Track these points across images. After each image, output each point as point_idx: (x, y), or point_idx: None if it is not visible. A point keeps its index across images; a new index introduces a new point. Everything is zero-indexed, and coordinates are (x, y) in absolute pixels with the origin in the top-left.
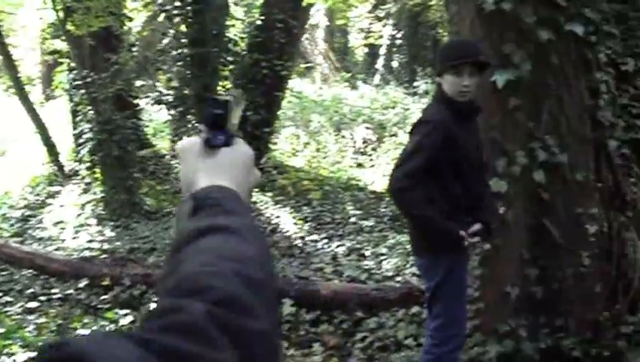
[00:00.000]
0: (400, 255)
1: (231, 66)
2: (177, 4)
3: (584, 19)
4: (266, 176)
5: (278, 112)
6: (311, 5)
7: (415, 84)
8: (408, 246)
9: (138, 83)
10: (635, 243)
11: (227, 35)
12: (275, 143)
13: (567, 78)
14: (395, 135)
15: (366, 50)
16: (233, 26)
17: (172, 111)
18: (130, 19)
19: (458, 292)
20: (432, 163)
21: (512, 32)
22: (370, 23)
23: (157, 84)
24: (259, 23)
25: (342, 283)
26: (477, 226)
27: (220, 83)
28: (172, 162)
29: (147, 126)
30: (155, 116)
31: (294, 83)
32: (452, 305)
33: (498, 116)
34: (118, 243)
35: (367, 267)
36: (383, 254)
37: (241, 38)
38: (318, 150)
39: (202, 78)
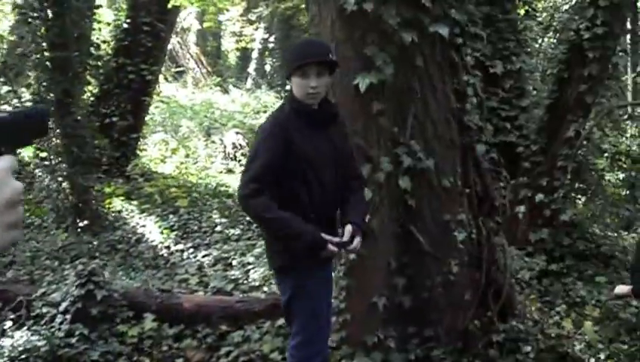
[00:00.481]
0: (267, 264)
1: (94, 71)
2: (35, 5)
3: (450, 20)
4: (132, 184)
5: (146, 118)
6: (178, 8)
7: (287, 87)
8: None
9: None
10: (504, 248)
11: (91, 38)
12: (143, 150)
13: (433, 81)
14: None
15: (238, 53)
16: (99, 29)
17: None
18: None
19: (312, 309)
20: (274, 168)
21: (374, 33)
22: (242, 27)
23: (21, 90)
24: (125, 26)
25: (206, 295)
26: (348, 229)
27: (83, 88)
28: (36, 171)
29: None
30: None
31: (165, 87)
32: (308, 323)
33: (361, 121)
34: None
35: (233, 277)
36: (250, 263)
37: (106, 42)
38: (187, 156)
39: (63, 83)
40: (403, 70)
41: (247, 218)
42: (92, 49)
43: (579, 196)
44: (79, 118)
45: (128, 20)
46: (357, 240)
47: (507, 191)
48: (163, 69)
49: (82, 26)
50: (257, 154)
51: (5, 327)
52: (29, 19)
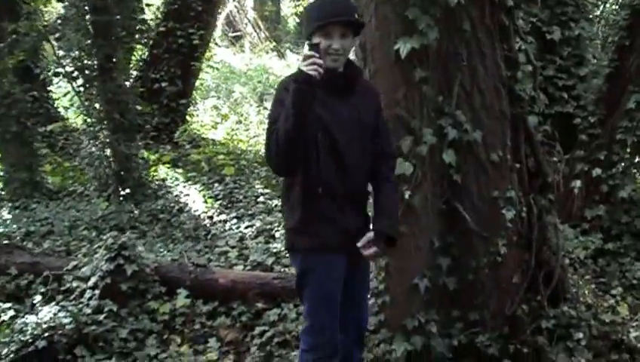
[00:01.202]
0: None
1: (139, 35)
2: None
3: None
4: (180, 151)
5: (197, 83)
6: None
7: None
8: None
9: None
10: (556, 228)
11: (134, 1)
12: (193, 116)
13: (481, 47)
14: None
15: (297, 19)
16: None
17: (75, 83)
18: None
19: (321, 298)
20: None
21: None
22: None
23: (60, 53)
24: None
25: (243, 270)
26: (368, 235)
27: (129, 53)
28: (82, 137)
29: (58, 99)
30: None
31: (221, 52)
32: (316, 311)
33: (402, 89)
34: (15, 226)
35: (275, 250)
36: None
37: (149, 5)
38: (239, 122)
39: (105, 48)
40: (448, 34)
41: None
42: (136, 13)
43: (639, 171)
44: (122, 83)
45: None
46: (373, 250)
47: (561, 166)
48: (219, 33)
49: None
50: (270, 116)
51: (34, 302)
52: None
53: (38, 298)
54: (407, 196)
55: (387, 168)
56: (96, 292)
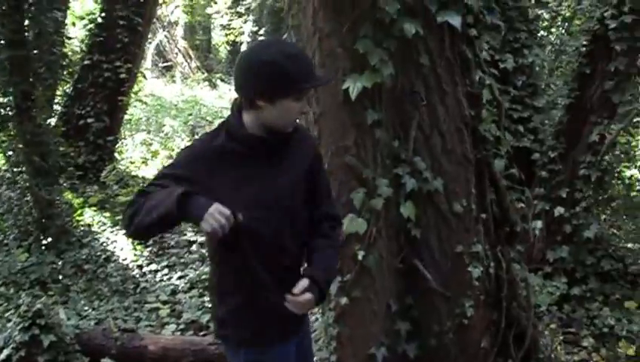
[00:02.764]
0: None
1: (59, 70)
2: None
3: (461, 6)
4: (107, 193)
5: (125, 118)
6: (156, 0)
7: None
8: None
9: None
10: (527, 282)
11: (53, 35)
12: (122, 152)
13: (441, 83)
14: None
15: (229, 47)
16: (72, 23)
17: None
18: None
19: None
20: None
21: (368, 24)
22: (230, 19)
23: None
24: (99, 20)
25: (174, 335)
26: (303, 283)
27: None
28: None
29: None
30: None
31: (152, 84)
32: None
33: (352, 135)
34: None
35: (210, 305)
36: None
37: (71, 38)
38: (170, 157)
39: (21, 85)
40: (404, 70)
41: None
42: (55, 48)
43: (603, 209)
44: (42, 123)
45: (103, 14)
46: (306, 296)
47: (529, 212)
48: (149, 64)
49: (42, 22)
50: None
51: None
52: None
53: None
54: (360, 256)
55: (326, 226)
56: None
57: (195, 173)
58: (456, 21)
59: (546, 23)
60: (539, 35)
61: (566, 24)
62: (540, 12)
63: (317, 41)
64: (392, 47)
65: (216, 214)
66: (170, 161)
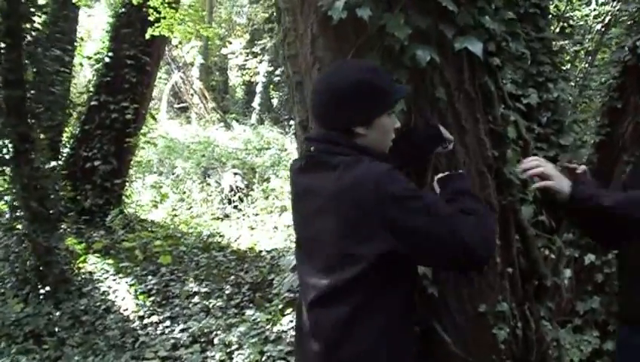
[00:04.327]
0: (254, 344)
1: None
2: None
3: (483, 32)
4: (112, 238)
5: (135, 160)
6: (164, 40)
7: (292, 123)
8: (267, 330)
9: None
10: (559, 344)
11: (54, 75)
12: (130, 196)
13: (460, 120)
14: (267, 180)
15: (244, 88)
16: (80, 64)
17: None
18: None
19: None
20: None
21: (374, 51)
22: (246, 59)
23: None
24: (107, 60)
25: None
26: None
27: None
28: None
29: None
30: None
31: (166, 125)
32: None
33: None
34: None
35: (213, 361)
36: (233, 343)
37: (70, 77)
38: (181, 200)
39: (19, 127)
40: (417, 104)
41: (230, 284)
42: (55, 88)
43: None
44: (40, 166)
45: (110, 54)
46: None
47: (559, 264)
48: (164, 105)
49: (41, 61)
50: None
51: None
52: None
53: None
54: None
55: None
56: None
57: None
58: (477, 48)
59: (569, 57)
60: (563, 68)
61: (589, 57)
62: (564, 43)
63: (316, 72)
64: (404, 78)
65: None
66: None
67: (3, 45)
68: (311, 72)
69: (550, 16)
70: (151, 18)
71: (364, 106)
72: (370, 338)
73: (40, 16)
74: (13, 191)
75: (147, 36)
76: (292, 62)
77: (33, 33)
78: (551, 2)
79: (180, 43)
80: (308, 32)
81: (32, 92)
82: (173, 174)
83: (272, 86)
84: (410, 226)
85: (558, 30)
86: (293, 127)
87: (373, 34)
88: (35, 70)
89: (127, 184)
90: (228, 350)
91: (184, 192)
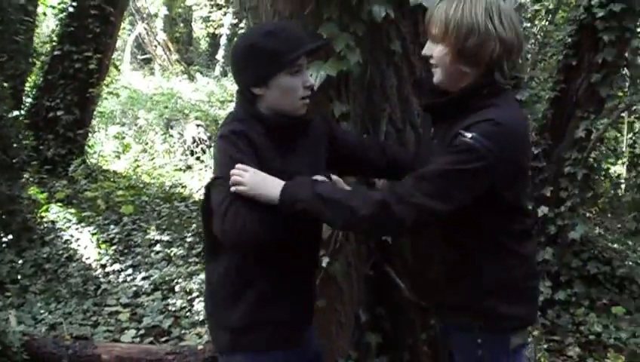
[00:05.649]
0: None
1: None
2: None
3: None
4: (75, 188)
5: (98, 110)
6: None
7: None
8: None
9: None
10: None
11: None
12: (93, 146)
13: (415, 73)
14: None
15: (209, 40)
16: (43, 14)
17: None
18: None
19: None
20: None
21: (333, 6)
22: (210, 12)
23: None
24: (70, 9)
25: (130, 343)
26: None
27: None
28: None
29: None
30: None
31: (129, 76)
32: None
33: None
34: None
35: (174, 309)
36: (194, 291)
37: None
38: (144, 151)
39: None
40: (374, 57)
41: (191, 233)
42: (19, 36)
43: (590, 209)
44: (3, 114)
45: (74, 4)
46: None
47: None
48: (128, 57)
49: (4, 9)
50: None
51: None
52: None
53: None
54: (324, 263)
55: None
56: None
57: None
58: (430, 3)
59: (529, 15)
60: (523, 26)
61: (550, 15)
62: (523, 1)
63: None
64: (360, 31)
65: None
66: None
67: None
68: (271, 21)
69: None
70: None
71: (254, 68)
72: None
73: None
74: None
75: None
76: (253, 14)
77: None
78: None
79: None
80: None
81: None
82: (135, 125)
83: (235, 38)
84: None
85: None
86: None
87: None
88: None
89: (89, 134)
90: (189, 297)
91: (147, 143)
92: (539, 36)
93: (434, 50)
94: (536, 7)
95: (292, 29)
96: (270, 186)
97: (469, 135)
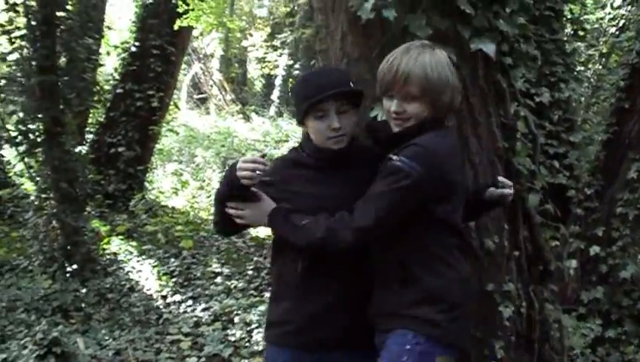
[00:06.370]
0: None
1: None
2: (21, 24)
3: (497, 34)
4: (135, 222)
5: (156, 147)
6: (190, 31)
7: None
8: None
9: None
10: (561, 324)
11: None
12: (152, 182)
13: (474, 113)
14: None
15: (264, 80)
16: (107, 53)
17: (19, 149)
18: None
19: None
20: None
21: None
22: (266, 52)
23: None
24: (133, 49)
25: None
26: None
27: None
28: (37, 202)
29: (9, 163)
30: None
31: (185, 115)
32: None
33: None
34: None
35: (233, 339)
36: (254, 322)
37: (100, 65)
38: (201, 188)
39: (51, 110)
40: None
41: (252, 267)
42: (86, 75)
43: None
44: (71, 149)
45: (137, 43)
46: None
47: (564, 251)
48: (184, 96)
49: (73, 48)
50: None
51: None
52: (13, 39)
53: None
54: None
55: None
56: None
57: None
58: (490, 49)
59: (583, 58)
60: (576, 69)
61: (603, 59)
62: (577, 45)
63: (344, 66)
64: None
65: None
66: None
67: (38, 33)
68: (340, 65)
69: (565, 19)
70: (180, 10)
71: (295, 108)
72: None
73: (72, 5)
74: (46, 172)
75: (176, 27)
76: (323, 56)
77: (66, 22)
78: (566, 6)
79: (202, 34)
80: (338, 30)
81: (65, 78)
82: (193, 163)
83: (290, 79)
84: None
85: (572, 33)
86: None
87: (397, 33)
88: (67, 57)
89: (149, 171)
90: (248, 328)
91: (204, 180)
92: (592, 80)
93: (408, 107)
94: (591, 51)
95: (328, 75)
96: (260, 216)
97: (396, 158)
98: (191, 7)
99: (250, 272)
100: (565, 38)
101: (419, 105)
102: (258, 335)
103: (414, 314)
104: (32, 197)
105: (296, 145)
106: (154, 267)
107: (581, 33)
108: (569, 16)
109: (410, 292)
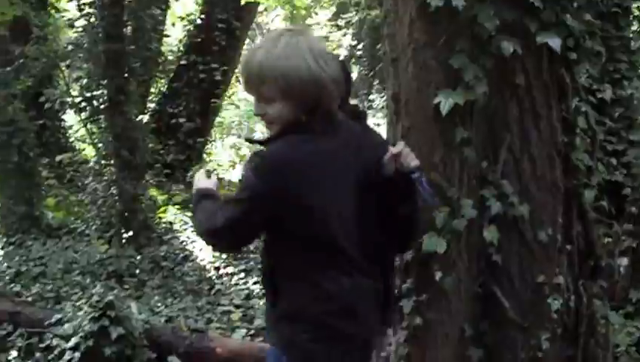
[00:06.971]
0: None
1: (153, 68)
2: None
3: (563, 29)
4: (191, 192)
5: (216, 120)
6: (256, 6)
7: (371, 97)
8: None
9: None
10: (607, 321)
11: (151, 32)
12: (210, 154)
13: (536, 106)
14: None
15: None
16: (172, 24)
17: (82, 115)
18: (57, 10)
19: None
20: None
21: (465, 38)
22: (330, 31)
23: (72, 84)
24: (199, 21)
25: (243, 340)
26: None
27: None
28: (97, 168)
29: (71, 128)
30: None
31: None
32: None
33: (440, 152)
34: (5, 264)
35: None
36: None
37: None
38: None
39: (116, 79)
40: (499, 89)
41: None
42: (152, 45)
43: None
44: (132, 118)
45: (202, 16)
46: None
47: (616, 248)
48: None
49: (140, 18)
50: None
51: (9, 358)
52: (82, 6)
53: (14, 353)
54: (437, 277)
55: None
56: (77, 354)
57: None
58: (556, 43)
59: None
60: None
61: None
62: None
63: (411, 51)
64: (488, 64)
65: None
66: None
67: (107, 0)
68: (406, 50)
69: (631, 16)
70: None
71: None
72: None
73: None
74: (107, 139)
75: (242, 2)
76: (390, 41)
77: None
78: (633, 3)
79: (266, 10)
80: (407, 15)
81: (131, 47)
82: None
83: (353, 59)
84: None
85: (638, 30)
86: (374, 100)
87: (464, 22)
88: (134, 27)
89: (208, 143)
90: None
91: None
92: None
93: (268, 109)
94: None
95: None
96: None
97: (244, 167)
98: None
99: None
100: (631, 36)
101: (280, 106)
102: None
103: (280, 330)
104: (92, 163)
105: None
106: None
107: None
108: (636, 14)
109: (277, 307)
